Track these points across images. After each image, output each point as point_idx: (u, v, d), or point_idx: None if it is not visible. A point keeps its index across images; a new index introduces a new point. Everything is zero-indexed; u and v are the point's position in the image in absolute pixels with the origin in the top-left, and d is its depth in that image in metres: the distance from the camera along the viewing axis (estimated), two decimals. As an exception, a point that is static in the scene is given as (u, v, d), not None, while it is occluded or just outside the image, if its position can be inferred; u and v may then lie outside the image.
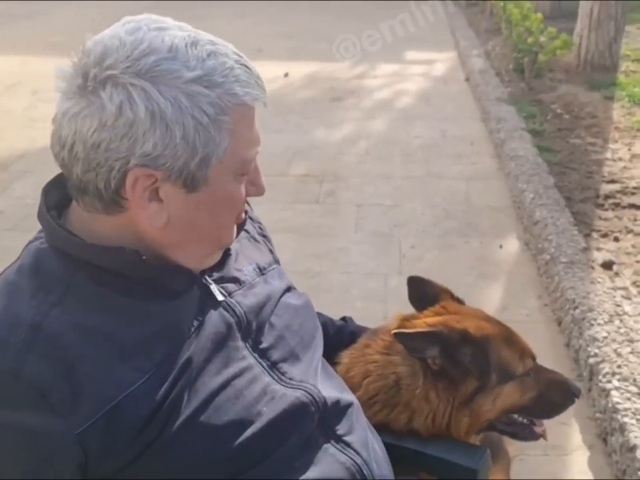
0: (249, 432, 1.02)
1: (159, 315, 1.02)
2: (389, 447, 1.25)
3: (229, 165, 1.01)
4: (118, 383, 0.96)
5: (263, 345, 1.12)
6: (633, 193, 3.97)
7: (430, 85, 6.84)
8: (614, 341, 2.60)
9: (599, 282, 3.03)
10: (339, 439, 1.12)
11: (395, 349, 1.35)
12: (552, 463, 2.28)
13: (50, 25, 9.41)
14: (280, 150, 4.94)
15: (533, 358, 1.42)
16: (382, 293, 3.20)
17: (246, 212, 1.16)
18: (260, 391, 1.06)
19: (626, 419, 2.22)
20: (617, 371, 2.43)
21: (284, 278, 1.27)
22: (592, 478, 2.23)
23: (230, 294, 1.12)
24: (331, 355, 1.36)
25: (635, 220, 3.67)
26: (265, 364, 1.10)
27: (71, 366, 0.94)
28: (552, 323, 3.01)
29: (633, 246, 3.39)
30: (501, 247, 3.67)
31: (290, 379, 1.11)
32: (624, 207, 3.81)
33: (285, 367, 1.12)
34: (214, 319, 1.07)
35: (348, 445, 1.12)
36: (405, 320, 1.41)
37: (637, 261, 3.26)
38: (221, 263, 1.14)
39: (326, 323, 1.48)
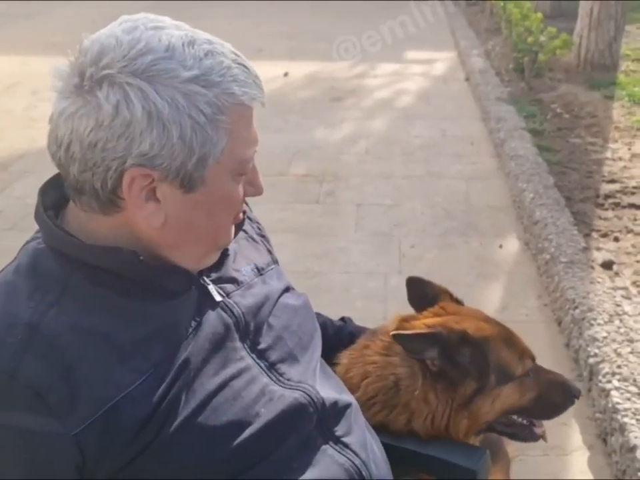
0: (246, 433, 1.02)
1: (157, 316, 1.02)
2: (388, 448, 1.25)
3: (226, 165, 1.00)
4: (115, 383, 0.95)
5: (261, 346, 1.12)
6: (633, 193, 3.96)
7: (430, 85, 6.84)
8: (614, 340, 2.60)
9: (598, 282, 3.02)
10: (337, 440, 1.12)
11: (394, 349, 1.34)
12: (552, 463, 2.27)
13: (50, 25, 9.41)
14: (280, 150, 4.94)
15: (533, 359, 1.42)
16: (382, 293, 3.20)
17: (244, 212, 1.16)
18: (258, 392, 1.06)
19: (626, 419, 2.21)
20: (617, 371, 2.43)
21: (282, 278, 1.27)
22: (592, 478, 2.23)
23: (228, 294, 1.11)
24: (330, 355, 1.36)
25: (635, 220, 3.66)
26: (263, 365, 1.10)
27: (68, 366, 0.94)
28: (552, 323, 3.01)
29: (633, 246, 3.39)
30: (500, 246, 3.66)
31: (288, 379, 1.11)
32: (624, 207, 3.81)
33: (283, 367, 1.12)
34: (212, 319, 1.07)
35: (346, 446, 1.12)
36: (404, 321, 1.41)
37: (637, 261, 3.25)
38: (219, 264, 1.14)
39: (325, 324, 1.48)
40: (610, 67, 6.31)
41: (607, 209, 3.78)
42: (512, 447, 1.66)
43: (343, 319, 1.56)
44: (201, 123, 0.95)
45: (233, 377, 1.05)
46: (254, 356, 1.10)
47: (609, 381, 2.39)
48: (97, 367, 0.95)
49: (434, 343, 1.30)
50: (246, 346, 1.10)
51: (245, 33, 8.43)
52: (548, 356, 2.66)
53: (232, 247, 1.17)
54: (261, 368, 1.09)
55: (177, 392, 0.99)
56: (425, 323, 1.37)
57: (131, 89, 0.92)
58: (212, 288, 1.10)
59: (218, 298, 1.09)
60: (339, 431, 1.13)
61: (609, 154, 4.55)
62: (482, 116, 5.68)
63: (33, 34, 8.92)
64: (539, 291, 3.25)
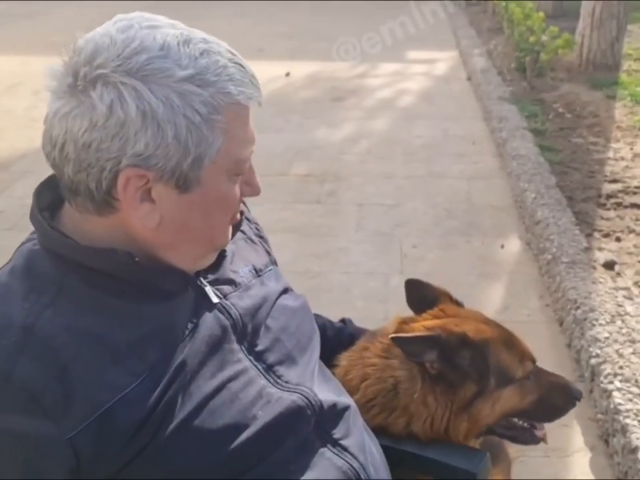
0: (244, 436, 1.01)
1: (152, 317, 1.01)
2: (387, 450, 1.24)
3: (222, 165, 0.99)
4: (111, 386, 0.95)
5: (259, 348, 1.11)
6: (635, 193, 3.95)
7: (431, 84, 6.83)
8: (616, 341, 2.59)
9: (600, 282, 3.01)
10: (335, 443, 1.11)
11: (393, 352, 1.33)
12: (553, 465, 2.26)
13: (50, 25, 9.40)
14: (281, 150, 4.94)
15: (533, 361, 1.41)
16: (383, 293, 3.19)
17: (242, 213, 1.14)
18: (255, 394, 1.05)
19: (628, 420, 2.20)
20: (619, 371, 2.42)
21: (281, 279, 1.26)
22: (593, 479, 2.22)
23: (225, 296, 1.10)
24: (329, 357, 1.35)
25: (637, 220, 3.65)
26: (260, 367, 1.09)
27: (63, 368, 0.93)
28: (553, 323, 3.00)
29: (635, 246, 3.38)
30: (502, 246, 3.65)
31: (286, 382, 1.10)
32: (626, 207, 3.80)
33: (280, 369, 1.11)
34: (209, 321, 1.06)
35: (345, 448, 1.11)
36: (404, 323, 1.40)
37: (639, 261, 3.24)
38: (217, 265, 1.13)
39: (325, 325, 1.47)
40: (612, 66, 6.30)
41: (608, 209, 3.77)
42: (513, 448, 1.65)
43: (342, 320, 1.55)
44: (196, 123, 0.94)
45: (230, 380, 1.04)
46: (251, 358, 1.09)
47: (611, 382, 2.38)
48: (92, 369, 0.94)
49: (433, 346, 1.29)
50: (243, 348, 1.09)
51: (245, 32, 8.44)
52: (549, 356, 2.65)
53: (230, 248, 1.16)
54: (259, 370, 1.08)
55: (173, 394, 0.98)
56: (424, 325, 1.36)
57: (125, 89, 0.91)
58: (209, 289, 1.09)
59: (215, 299, 1.08)
60: (337, 433, 1.12)
61: (611, 154, 4.53)
62: (484, 115, 5.67)
63: (33, 34, 8.93)
64: (540, 291, 3.24)
